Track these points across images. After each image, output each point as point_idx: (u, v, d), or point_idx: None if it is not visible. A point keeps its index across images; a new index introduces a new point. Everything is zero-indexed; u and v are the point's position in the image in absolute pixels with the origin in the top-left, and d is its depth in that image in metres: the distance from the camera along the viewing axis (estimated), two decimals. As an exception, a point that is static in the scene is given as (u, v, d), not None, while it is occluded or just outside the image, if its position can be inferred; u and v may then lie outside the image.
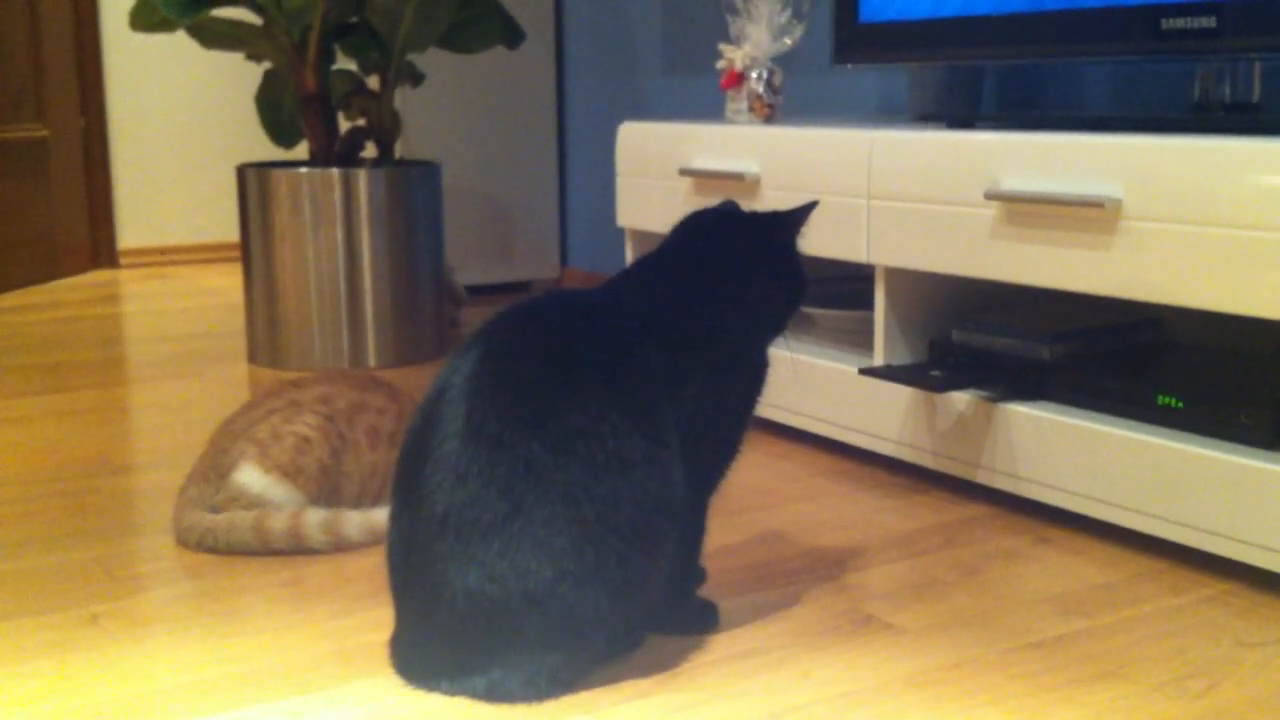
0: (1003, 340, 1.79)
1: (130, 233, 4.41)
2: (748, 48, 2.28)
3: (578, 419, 1.17)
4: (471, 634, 1.17)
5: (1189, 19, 1.65)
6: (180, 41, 3.23)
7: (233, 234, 4.41)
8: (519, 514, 1.15)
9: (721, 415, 1.32)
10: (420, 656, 1.23)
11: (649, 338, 1.25)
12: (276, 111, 3.04)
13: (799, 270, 1.39)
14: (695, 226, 1.39)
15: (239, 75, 4.25)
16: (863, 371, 1.88)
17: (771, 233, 1.38)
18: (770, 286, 1.36)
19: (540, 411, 1.17)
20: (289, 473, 1.63)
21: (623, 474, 1.17)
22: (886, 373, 1.85)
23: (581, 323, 1.24)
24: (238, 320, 3.30)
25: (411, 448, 1.22)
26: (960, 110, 2.24)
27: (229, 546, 1.59)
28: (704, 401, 1.28)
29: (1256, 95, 1.77)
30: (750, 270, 1.35)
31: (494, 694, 1.19)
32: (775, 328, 1.39)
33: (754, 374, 1.36)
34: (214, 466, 1.65)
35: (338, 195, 2.70)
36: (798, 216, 1.39)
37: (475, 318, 3.31)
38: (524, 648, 1.18)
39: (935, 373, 1.81)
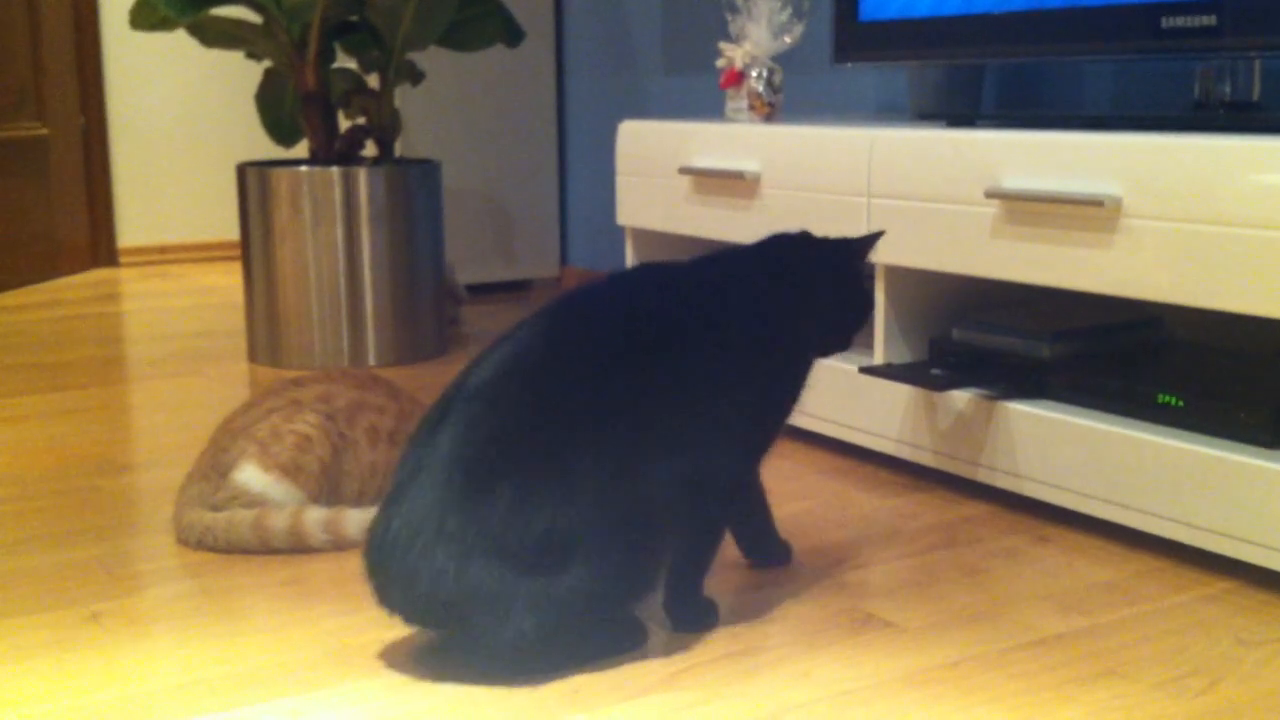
0: (1003, 339, 1.79)
1: (130, 231, 4.41)
2: (748, 46, 2.28)
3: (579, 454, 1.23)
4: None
5: (1189, 17, 1.65)
6: (180, 40, 3.23)
7: (233, 233, 4.41)
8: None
9: (768, 416, 1.43)
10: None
11: (685, 359, 1.31)
12: (276, 110, 3.04)
13: (863, 291, 1.52)
14: (773, 244, 1.50)
15: (239, 74, 4.25)
16: (863, 370, 1.88)
17: (842, 257, 1.51)
18: (838, 306, 1.50)
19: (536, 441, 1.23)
20: (289, 471, 1.63)
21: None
22: (887, 371, 1.85)
23: (643, 324, 1.31)
24: (238, 319, 3.30)
25: (416, 436, 1.28)
26: (960, 109, 2.24)
27: (229, 545, 1.59)
28: (757, 405, 1.39)
29: (1257, 94, 1.77)
30: (820, 290, 1.47)
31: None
32: (838, 344, 1.51)
33: (801, 379, 1.47)
34: (214, 465, 1.65)
35: (338, 194, 2.70)
36: (866, 243, 1.52)
37: (475, 316, 3.31)
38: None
39: (935, 371, 1.81)
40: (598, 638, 1.30)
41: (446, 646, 1.32)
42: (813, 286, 1.46)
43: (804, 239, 1.51)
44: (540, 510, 1.20)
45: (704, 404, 1.31)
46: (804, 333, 1.45)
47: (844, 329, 1.51)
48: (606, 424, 1.24)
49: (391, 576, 1.22)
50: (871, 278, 1.94)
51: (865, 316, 1.52)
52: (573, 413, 1.24)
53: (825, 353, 1.50)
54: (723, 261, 1.45)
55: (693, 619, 1.39)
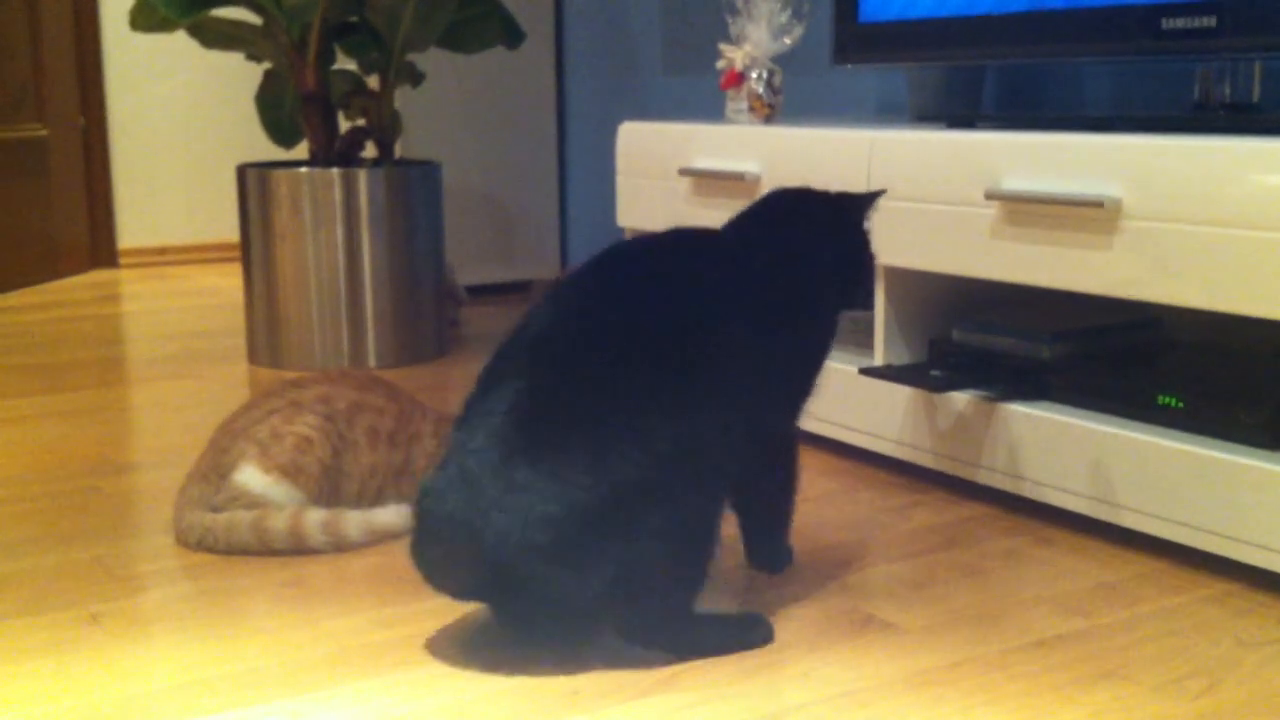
0: (1003, 340, 1.79)
1: (130, 232, 4.41)
2: (748, 47, 2.28)
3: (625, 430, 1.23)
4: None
5: (1189, 19, 1.65)
6: (180, 41, 3.23)
7: (232, 234, 4.41)
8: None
9: (796, 379, 1.47)
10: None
11: (729, 311, 1.33)
12: (276, 111, 3.04)
13: (866, 246, 1.53)
14: (774, 202, 1.52)
15: (239, 75, 4.25)
16: (863, 371, 1.88)
17: (843, 211, 1.52)
18: (849, 258, 1.51)
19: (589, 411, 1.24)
20: (289, 473, 1.63)
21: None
22: (887, 373, 1.85)
23: (656, 302, 1.31)
24: (237, 320, 3.30)
25: (473, 397, 1.30)
26: (960, 110, 2.24)
27: (229, 546, 1.59)
28: (782, 369, 1.41)
29: (1256, 95, 1.77)
30: (823, 244, 1.48)
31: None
32: (846, 302, 1.51)
33: (824, 337, 1.49)
34: (215, 466, 1.65)
35: (338, 195, 2.70)
36: (867, 199, 1.53)
37: (475, 317, 3.31)
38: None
39: (935, 373, 1.81)
40: (719, 630, 1.33)
41: (478, 636, 1.32)
42: (824, 238, 1.48)
43: (808, 193, 1.53)
44: (612, 462, 1.20)
45: (750, 359, 1.33)
46: (825, 285, 1.47)
47: (858, 281, 1.52)
48: (666, 381, 1.25)
49: (453, 539, 1.21)
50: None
51: (873, 271, 1.55)
52: (633, 370, 1.25)
53: (849, 305, 1.52)
54: (744, 223, 1.48)
55: (780, 561, 1.53)
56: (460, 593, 1.28)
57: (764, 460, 1.45)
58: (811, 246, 1.46)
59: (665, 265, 1.36)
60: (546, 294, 1.34)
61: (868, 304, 1.55)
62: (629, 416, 1.22)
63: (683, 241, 1.40)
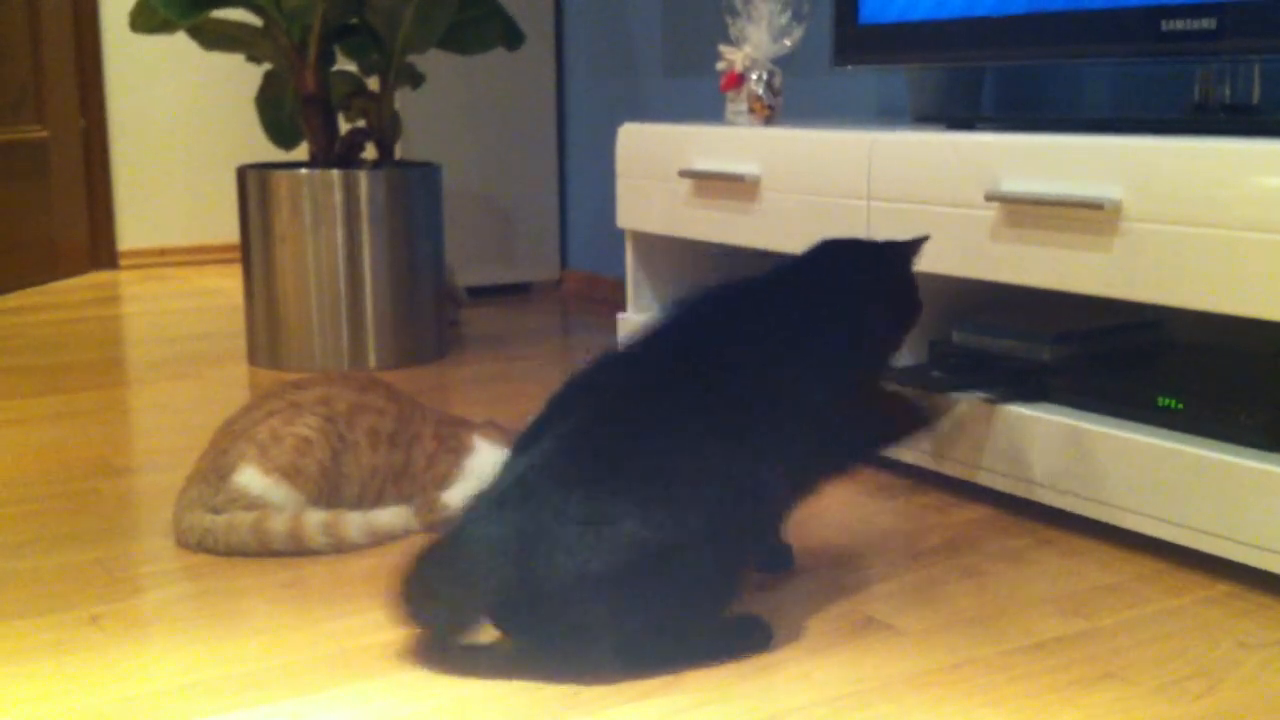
0: (1003, 341, 1.79)
1: (130, 234, 4.41)
2: (748, 49, 2.28)
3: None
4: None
5: (1189, 20, 1.65)
6: (180, 43, 3.24)
7: (233, 235, 4.41)
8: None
9: (840, 422, 1.44)
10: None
11: (779, 363, 1.36)
12: (277, 113, 3.04)
13: (914, 294, 1.54)
14: (822, 254, 1.54)
15: (239, 76, 4.25)
16: (863, 373, 1.88)
17: (892, 260, 1.54)
18: (887, 310, 1.51)
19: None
20: (289, 474, 1.63)
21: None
22: (888, 374, 1.85)
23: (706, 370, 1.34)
24: (237, 322, 3.30)
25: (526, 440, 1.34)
26: (960, 112, 2.24)
27: (229, 548, 1.59)
28: (828, 417, 1.40)
29: (1256, 97, 1.77)
30: (870, 296, 1.49)
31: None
32: (894, 345, 1.53)
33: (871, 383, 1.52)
34: (214, 468, 1.65)
35: (338, 196, 2.70)
36: (914, 246, 1.55)
37: (475, 319, 3.31)
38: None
39: (936, 374, 1.81)
40: (715, 635, 1.32)
41: (446, 650, 1.32)
42: (874, 293, 1.50)
43: (857, 245, 1.56)
44: (675, 510, 1.23)
45: (798, 415, 1.36)
46: (872, 339, 1.49)
47: (900, 330, 1.53)
48: (731, 436, 1.29)
49: (494, 559, 1.23)
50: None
51: (917, 316, 1.55)
52: (699, 424, 1.28)
53: (886, 356, 1.54)
54: (793, 279, 1.49)
55: (779, 562, 1.56)
56: (461, 614, 1.28)
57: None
58: (866, 299, 1.48)
59: (740, 323, 1.39)
60: (629, 341, 1.39)
61: (899, 347, 1.56)
62: (695, 467, 1.26)
63: (755, 296, 1.43)
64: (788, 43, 2.27)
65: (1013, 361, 1.77)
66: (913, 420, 1.63)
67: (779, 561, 1.56)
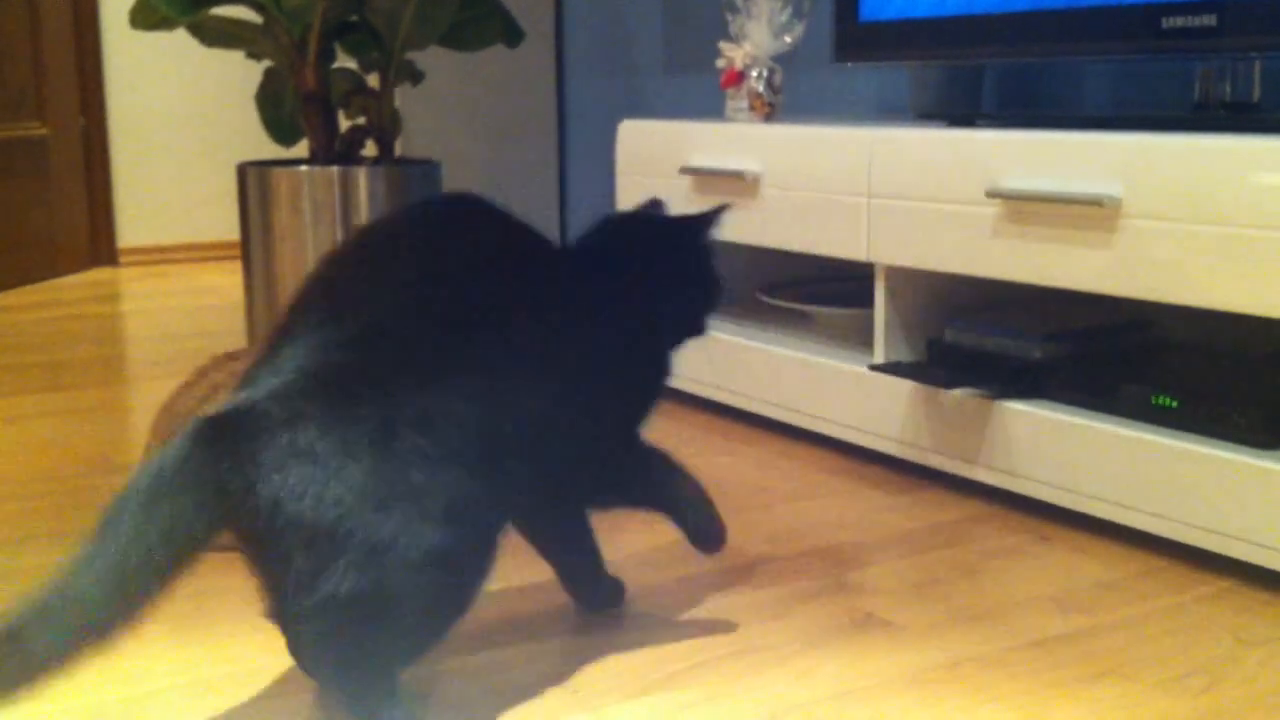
0: (995, 339, 1.79)
1: (130, 231, 4.41)
2: (748, 46, 2.28)
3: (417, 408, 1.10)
4: None
5: (1189, 17, 1.65)
6: (180, 40, 3.23)
7: (233, 232, 4.40)
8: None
9: (611, 414, 1.30)
10: None
11: (540, 332, 1.21)
12: (277, 110, 3.04)
13: (710, 272, 1.38)
14: (606, 229, 1.39)
15: (239, 74, 4.24)
16: (873, 368, 1.88)
17: (680, 236, 1.38)
18: (677, 289, 1.36)
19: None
20: None
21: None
22: (897, 369, 1.85)
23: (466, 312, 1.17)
24: (238, 319, 3.30)
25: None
26: (960, 109, 2.24)
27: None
28: (594, 403, 1.25)
29: (1257, 94, 1.77)
30: (656, 274, 1.34)
31: None
32: (687, 330, 1.38)
33: (651, 374, 1.34)
34: None
35: (337, 194, 2.70)
36: (708, 219, 1.39)
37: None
38: None
39: (932, 370, 1.82)
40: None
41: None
42: (655, 269, 1.35)
43: (641, 218, 1.42)
44: (400, 450, 1.07)
45: (551, 396, 1.19)
46: (652, 321, 1.33)
47: (694, 313, 1.38)
48: (469, 398, 1.12)
49: (223, 476, 1.06)
50: (870, 277, 1.94)
51: (714, 300, 1.39)
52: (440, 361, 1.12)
53: (679, 341, 1.37)
54: (579, 250, 1.37)
55: (609, 599, 1.43)
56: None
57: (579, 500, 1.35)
58: (642, 276, 1.33)
59: (493, 268, 1.22)
60: (354, 247, 1.20)
61: (700, 332, 1.39)
62: (434, 406, 1.10)
63: (515, 247, 1.29)
64: (788, 39, 2.27)
65: (1005, 359, 1.77)
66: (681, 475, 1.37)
67: (607, 599, 1.44)
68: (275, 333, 1.15)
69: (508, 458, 1.15)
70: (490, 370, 1.15)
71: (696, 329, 1.39)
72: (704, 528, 1.36)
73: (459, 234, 1.24)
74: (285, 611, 1.09)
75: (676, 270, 1.36)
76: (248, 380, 1.11)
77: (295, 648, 1.21)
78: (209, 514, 1.06)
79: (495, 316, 1.17)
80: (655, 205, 1.45)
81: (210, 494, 1.05)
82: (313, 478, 1.04)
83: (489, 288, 1.19)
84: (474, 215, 1.28)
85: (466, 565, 1.12)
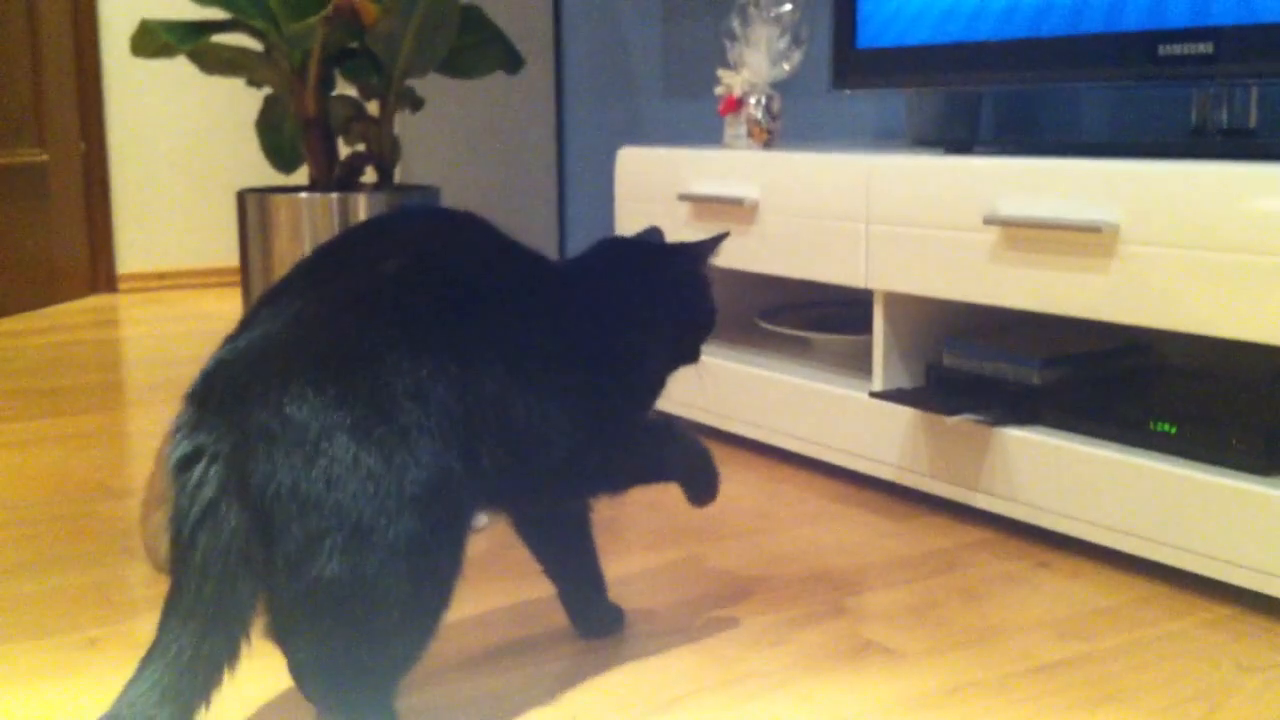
0: (993, 365, 1.79)
1: (129, 257, 4.41)
2: (746, 73, 2.29)
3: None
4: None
5: (1186, 45, 1.66)
6: (180, 67, 3.24)
7: (232, 259, 4.41)
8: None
9: (608, 428, 1.28)
10: None
11: (538, 348, 1.21)
12: (276, 136, 3.04)
13: (704, 300, 1.38)
14: (604, 252, 1.39)
15: (239, 100, 4.25)
16: (874, 394, 1.88)
17: (677, 262, 1.38)
18: (672, 314, 1.35)
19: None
20: None
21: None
22: (898, 396, 1.85)
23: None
24: (237, 345, 3.30)
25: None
26: (958, 135, 2.24)
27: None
28: (592, 415, 1.25)
29: (1253, 121, 1.78)
30: (652, 300, 1.34)
31: None
32: (681, 356, 1.38)
33: (642, 391, 1.34)
34: None
35: (337, 220, 2.70)
36: (706, 247, 1.39)
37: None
38: None
39: (931, 396, 1.82)
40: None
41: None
42: (651, 295, 1.34)
43: (637, 243, 1.41)
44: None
45: (534, 396, 1.19)
46: (642, 346, 1.32)
47: (686, 341, 1.38)
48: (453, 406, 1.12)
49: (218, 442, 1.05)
50: (868, 303, 1.94)
51: (708, 328, 1.39)
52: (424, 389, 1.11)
53: (673, 366, 1.37)
54: (571, 272, 1.36)
55: (608, 625, 1.44)
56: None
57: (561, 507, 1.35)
58: (636, 301, 1.32)
59: (495, 285, 1.22)
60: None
61: (694, 358, 1.39)
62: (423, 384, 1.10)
63: (511, 253, 1.29)
64: (786, 67, 2.28)
65: (1003, 385, 1.77)
66: (683, 447, 1.37)
67: (606, 626, 1.43)
68: (267, 293, 1.16)
69: (487, 448, 1.15)
70: (478, 358, 1.15)
71: (691, 356, 1.39)
72: (698, 487, 1.38)
73: (458, 233, 1.25)
74: (276, 601, 1.08)
75: (672, 295, 1.36)
76: (237, 333, 1.12)
77: (292, 661, 1.21)
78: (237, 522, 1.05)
79: (486, 309, 1.18)
80: (654, 234, 1.45)
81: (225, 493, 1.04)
82: (302, 447, 1.04)
83: (484, 282, 1.21)
84: (472, 222, 1.29)
85: (443, 553, 1.11)
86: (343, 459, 1.04)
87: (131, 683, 1.03)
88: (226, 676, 1.05)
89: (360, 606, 1.06)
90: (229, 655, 1.05)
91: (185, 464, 1.06)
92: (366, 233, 1.24)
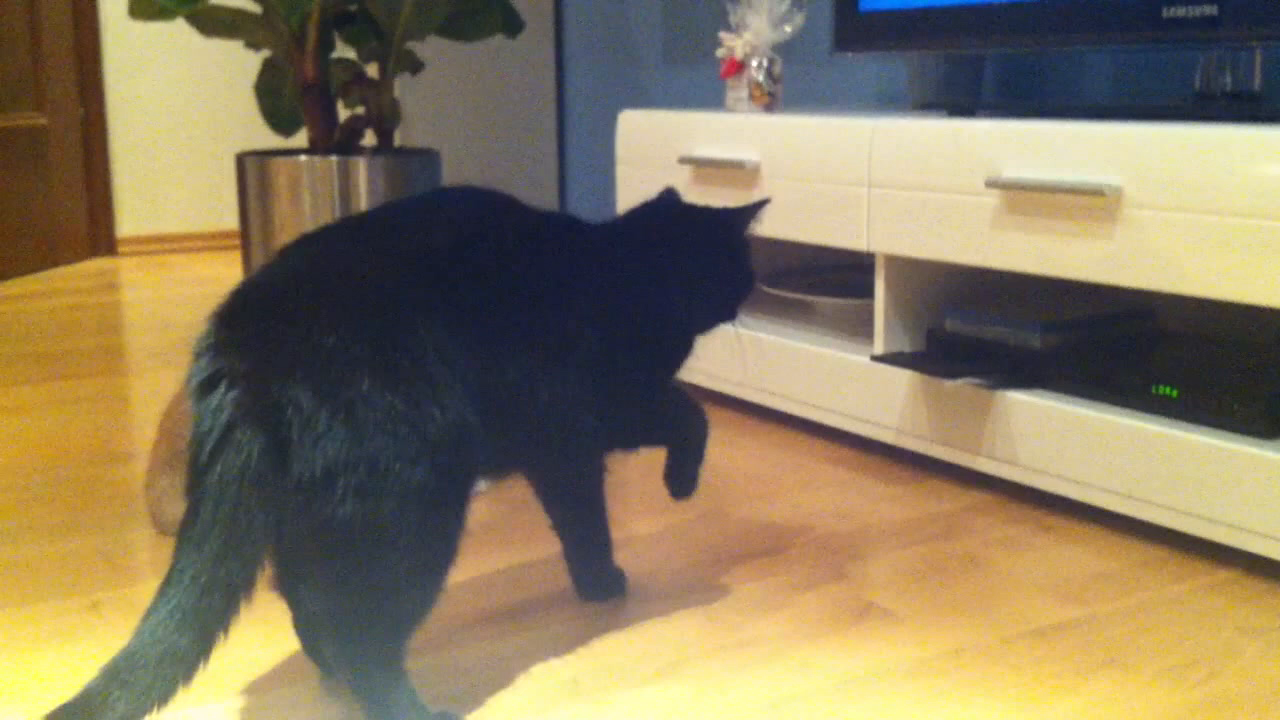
0: (994, 329, 1.79)
1: (129, 221, 4.40)
2: (748, 36, 2.28)
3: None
4: None
5: (1190, 7, 1.65)
6: (179, 30, 3.23)
7: (232, 222, 4.41)
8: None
9: (637, 390, 1.32)
10: None
11: (580, 311, 1.23)
12: (276, 100, 3.03)
13: (745, 264, 1.42)
14: (652, 212, 1.42)
15: (238, 63, 4.24)
16: (875, 358, 1.88)
17: (720, 227, 1.41)
18: (715, 278, 1.39)
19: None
20: None
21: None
22: (899, 359, 1.85)
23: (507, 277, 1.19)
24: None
25: None
26: (960, 99, 2.23)
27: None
28: (624, 377, 1.28)
29: (1258, 84, 1.77)
30: (696, 265, 1.37)
31: None
32: (719, 316, 1.42)
33: (677, 355, 1.37)
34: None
35: (336, 183, 2.69)
36: (748, 213, 1.42)
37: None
38: None
39: (933, 360, 1.82)
40: (411, 705, 1.12)
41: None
42: (689, 254, 1.37)
43: (682, 206, 1.44)
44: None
45: (584, 361, 1.22)
46: (677, 303, 1.35)
47: (725, 302, 1.41)
48: (479, 367, 1.13)
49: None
50: (870, 267, 1.94)
51: (747, 291, 1.43)
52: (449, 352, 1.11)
53: (706, 327, 1.40)
54: (616, 231, 1.38)
55: (611, 588, 1.44)
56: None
57: (575, 473, 1.36)
58: (679, 265, 1.35)
59: (533, 245, 1.23)
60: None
61: (730, 317, 1.43)
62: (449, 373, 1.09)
63: (558, 227, 1.30)
64: (788, 30, 2.27)
65: (1005, 349, 1.77)
66: (694, 419, 1.39)
67: (609, 588, 1.44)
68: (304, 236, 1.16)
69: (504, 427, 1.15)
70: (509, 345, 1.16)
71: (729, 314, 1.42)
72: (678, 477, 1.39)
73: (505, 217, 1.25)
74: (286, 540, 1.05)
75: (716, 257, 1.39)
76: (270, 265, 1.12)
77: (299, 614, 1.21)
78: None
79: (524, 295, 1.19)
80: (670, 194, 1.47)
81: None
82: (327, 374, 1.02)
83: (526, 268, 1.20)
84: (515, 207, 1.29)
85: (451, 508, 1.11)
86: (367, 395, 1.03)
87: (149, 612, 1.01)
88: (243, 604, 1.03)
89: (371, 552, 1.05)
90: (245, 582, 1.02)
91: (205, 388, 1.04)
92: (419, 205, 1.24)
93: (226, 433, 1.01)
